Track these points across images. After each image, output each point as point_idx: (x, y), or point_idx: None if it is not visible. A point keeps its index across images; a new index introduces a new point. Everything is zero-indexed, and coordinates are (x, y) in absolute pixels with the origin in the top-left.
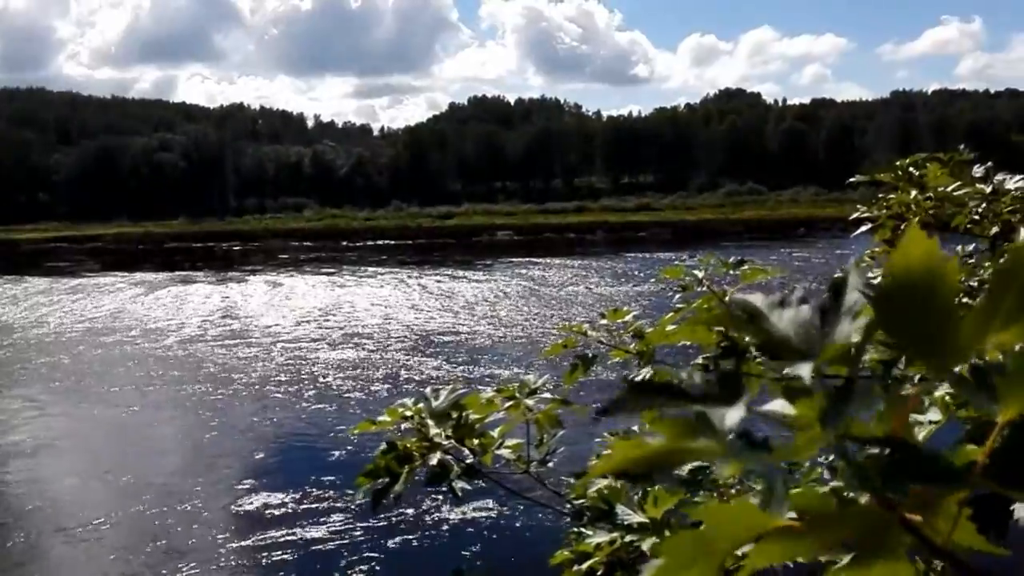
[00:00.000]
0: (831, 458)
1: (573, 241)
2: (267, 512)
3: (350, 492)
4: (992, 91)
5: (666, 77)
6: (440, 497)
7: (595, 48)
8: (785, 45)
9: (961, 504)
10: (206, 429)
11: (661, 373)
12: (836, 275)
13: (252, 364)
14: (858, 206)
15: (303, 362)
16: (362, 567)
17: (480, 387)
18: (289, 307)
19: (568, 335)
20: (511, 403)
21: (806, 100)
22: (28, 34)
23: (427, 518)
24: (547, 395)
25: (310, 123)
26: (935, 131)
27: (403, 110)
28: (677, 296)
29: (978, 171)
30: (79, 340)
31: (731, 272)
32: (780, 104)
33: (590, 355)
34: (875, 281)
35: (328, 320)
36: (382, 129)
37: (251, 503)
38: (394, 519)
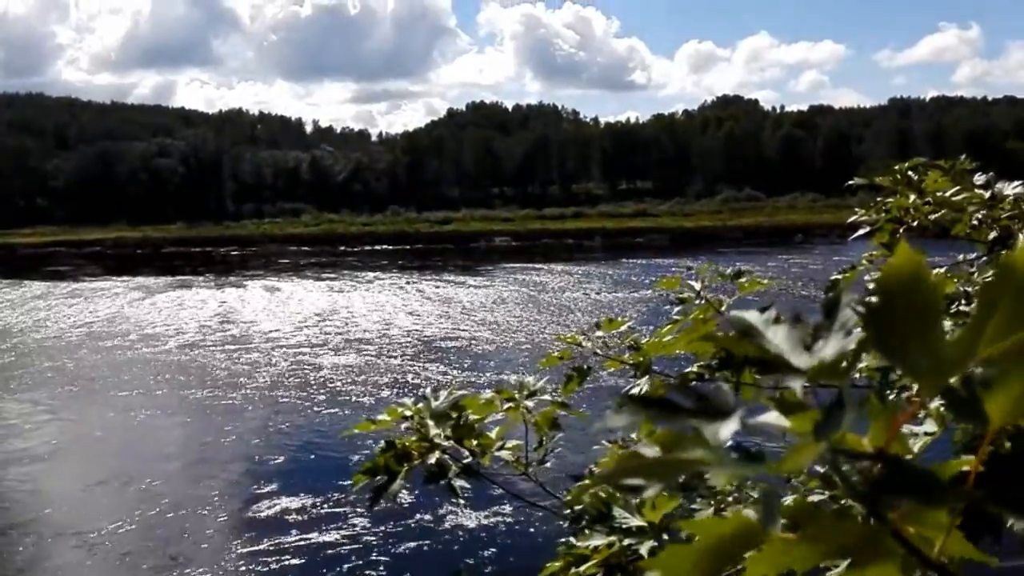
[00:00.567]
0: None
1: (571, 247)
2: (267, 515)
3: (350, 495)
4: (990, 98)
5: (663, 84)
6: (439, 498)
7: (593, 55)
8: (782, 52)
9: (952, 516)
10: (206, 433)
11: (657, 383)
12: (829, 294)
13: (251, 368)
14: (856, 209)
15: (302, 367)
16: (362, 568)
17: (476, 391)
18: (287, 312)
19: (563, 347)
20: (510, 404)
21: (804, 107)
22: (27, 39)
23: (427, 520)
24: (546, 397)
25: (308, 128)
26: (932, 138)
27: (401, 116)
28: (676, 310)
29: (980, 179)
30: (78, 345)
31: (729, 282)
32: (778, 111)
33: (586, 367)
34: (868, 296)
35: (326, 325)
36: (380, 135)
37: (251, 506)
38: (393, 521)
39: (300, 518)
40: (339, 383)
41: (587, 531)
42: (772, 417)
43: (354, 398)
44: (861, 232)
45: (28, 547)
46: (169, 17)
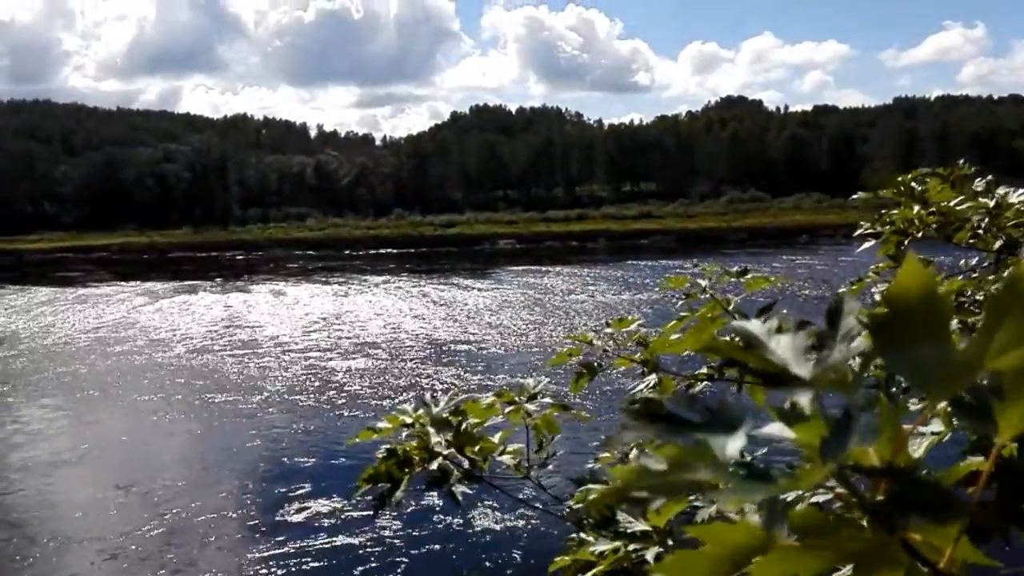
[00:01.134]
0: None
1: (575, 249)
2: (275, 519)
3: (353, 498)
4: (995, 97)
5: (667, 85)
6: (441, 502)
7: (596, 57)
8: (787, 52)
9: (963, 527)
10: (216, 438)
11: (666, 381)
12: (832, 301)
13: (258, 373)
14: (862, 222)
15: (309, 371)
16: (365, 572)
17: (482, 394)
18: (294, 316)
19: (573, 344)
20: (511, 408)
21: (808, 107)
22: (34, 47)
23: (428, 524)
24: (547, 400)
25: (313, 133)
26: (938, 138)
27: (405, 119)
28: (680, 304)
29: (979, 184)
30: (86, 350)
31: (734, 280)
32: (782, 111)
33: (596, 364)
34: (873, 309)
35: (332, 329)
36: (384, 138)
37: (259, 510)
38: (397, 525)
39: (308, 522)
40: (346, 387)
41: (592, 536)
42: (776, 429)
43: (361, 401)
44: (867, 245)
45: (40, 553)
46: (174, 23)
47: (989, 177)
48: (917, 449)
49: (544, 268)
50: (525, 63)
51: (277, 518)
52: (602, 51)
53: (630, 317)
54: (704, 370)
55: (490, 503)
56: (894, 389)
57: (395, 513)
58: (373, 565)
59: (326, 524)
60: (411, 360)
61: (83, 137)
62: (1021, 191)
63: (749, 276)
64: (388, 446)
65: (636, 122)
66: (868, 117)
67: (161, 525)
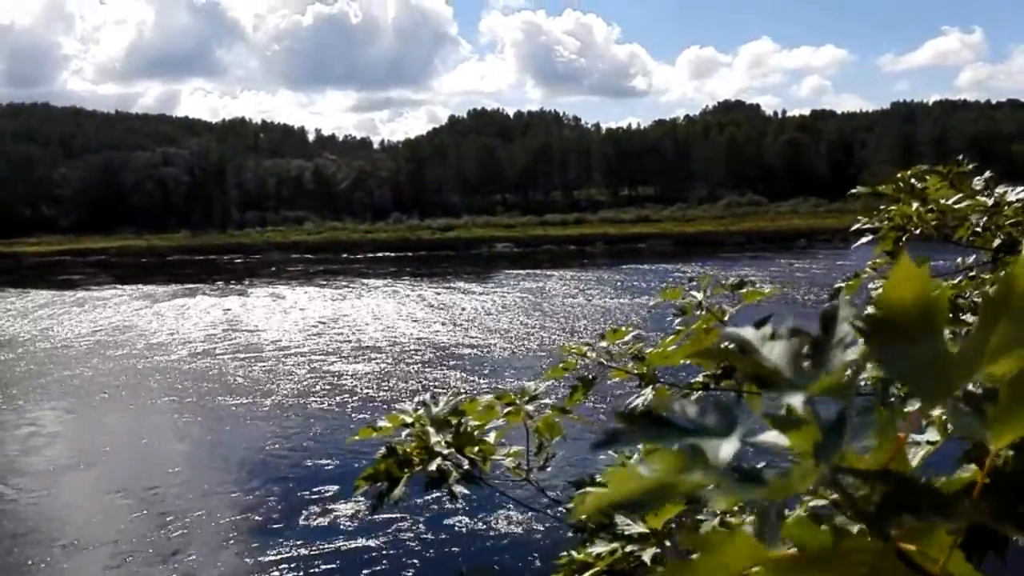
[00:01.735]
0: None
1: (573, 253)
2: (273, 521)
3: (353, 500)
4: (994, 102)
5: (665, 90)
6: (441, 503)
7: (593, 61)
8: (784, 57)
9: (955, 535)
10: (214, 441)
11: (662, 393)
12: (825, 306)
13: (256, 376)
14: (859, 217)
15: (307, 374)
16: (365, 573)
17: (480, 396)
18: (292, 320)
19: (568, 356)
20: (511, 409)
21: (806, 111)
22: (33, 50)
23: (428, 524)
24: (547, 402)
25: (311, 137)
26: (936, 142)
27: (403, 123)
28: (678, 321)
29: (978, 182)
30: (85, 354)
31: (731, 293)
32: (780, 116)
33: (591, 376)
34: (868, 310)
35: (330, 332)
36: (382, 142)
37: (258, 512)
38: (396, 526)
39: (308, 525)
40: (345, 390)
41: (590, 538)
42: (771, 436)
43: (361, 405)
44: (864, 240)
45: (42, 557)
46: (173, 27)
47: (988, 174)
48: (912, 459)
49: (542, 272)
50: (523, 67)
51: (277, 520)
52: (599, 55)
53: (625, 327)
54: (700, 379)
55: (490, 504)
56: (891, 399)
57: (395, 514)
58: (372, 566)
59: (327, 526)
60: (409, 364)
61: (82, 140)
62: (1020, 189)
63: (745, 290)
64: (388, 445)
65: (634, 126)
66: (866, 122)
67: (162, 528)
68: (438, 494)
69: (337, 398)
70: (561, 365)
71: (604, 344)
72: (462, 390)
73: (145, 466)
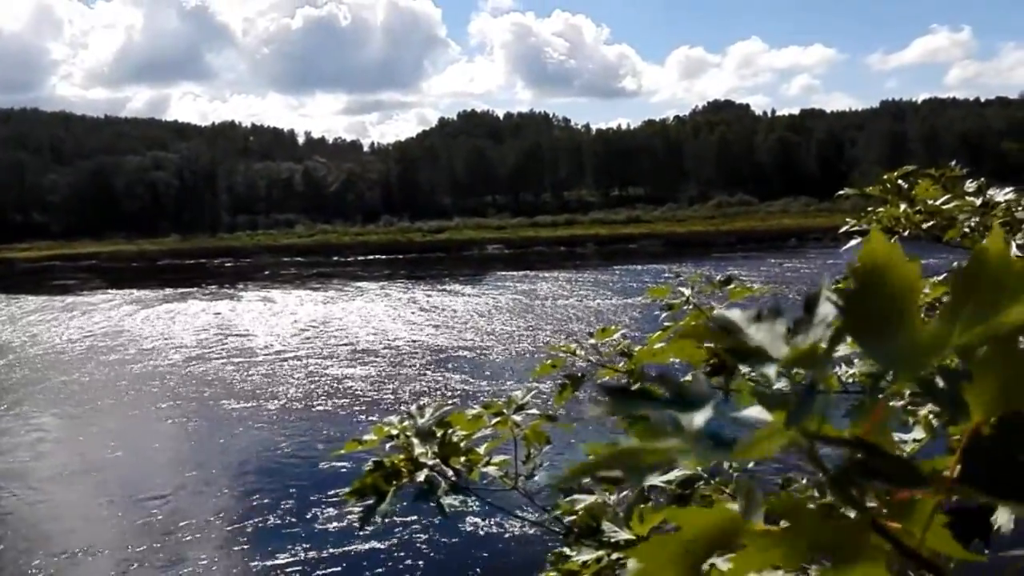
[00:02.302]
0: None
1: (564, 254)
2: (262, 528)
3: (342, 508)
4: (983, 100)
5: (655, 90)
6: (429, 514)
7: (583, 62)
8: (773, 56)
9: (934, 509)
10: (204, 446)
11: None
12: (810, 289)
13: (248, 380)
14: (847, 219)
15: (298, 378)
16: None
17: (472, 402)
18: (282, 323)
19: (556, 355)
20: (498, 419)
21: (795, 111)
22: (22, 55)
23: (416, 535)
24: (534, 411)
25: (301, 140)
26: (926, 140)
27: (393, 126)
28: (664, 316)
29: (971, 186)
30: (78, 358)
31: (719, 291)
32: (769, 115)
33: (580, 375)
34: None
35: (321, 336)
36: (372, 145)
37: (248, 519)
38: (384, 535)
39: (294, 530)
40: (337, 393)
41: (577, 545)
42: (755, 411)
43: (352, 408)
44: (854, 242)
45: (34, 564)
46: (162, 32)
47: (981, 180)
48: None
49: (533, 273)
50: (512, 69)
51: (270, 525)
52: (589, 56)
53: (614, 326)
54: (688, 378)
55: (478, 514)
56: (880, 395)
57: (383, 525)
58: (360, 573)
59: (314, 531)
60: (401, 367)
61: (72, 145)
62: (1007, 190)
63: (732, 285)
64: (375, 459)
65: (624, 127)
66: (856, 120)
67: (155, 533)
68: (425, 505)
69: (330, 402)
70: (549, 362)
71: (593, 342)
72: (455, 393)
73: (138, 472)
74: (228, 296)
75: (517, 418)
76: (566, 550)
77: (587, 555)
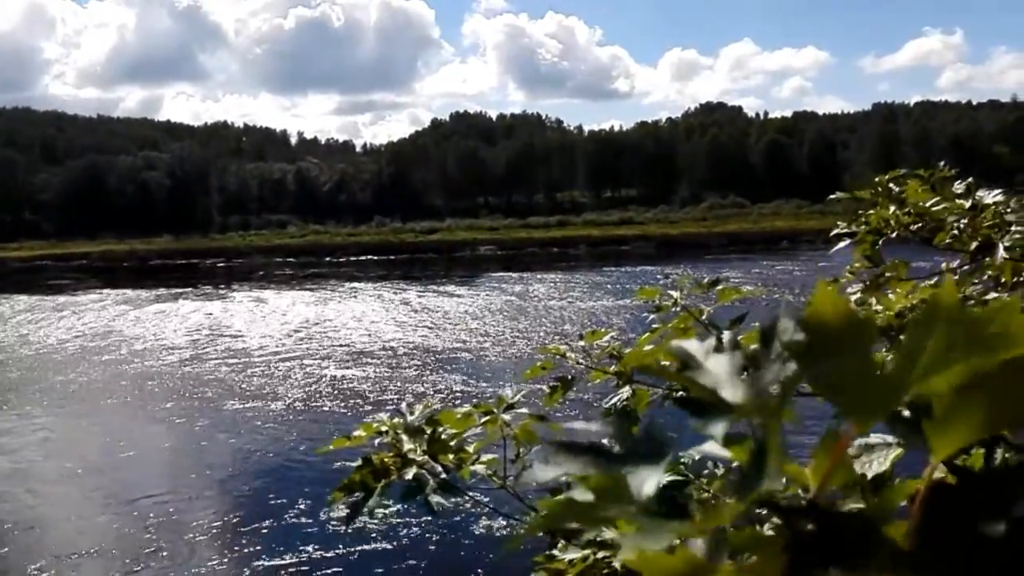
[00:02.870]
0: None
1: (557, 255)
2: (257, 526)
3: (330, 508)
4: (974, 103)
5: (647, 92)
6: (418, 514)
7: (576, 63)
8: (766, 59)
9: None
10: (198, 448)
11: (640, 393)
12: (767, 319)
13: (240, 381)
14: (838, 222)
15: (291, 379)
16: None
17: (464, 402)
18: (274, 324)
19: (546, 357)
20: (488, 418)
21: (788, 113)
22: (14, 55)
23: (405, 535)
24: (524, 410)
25: (293, 140)
26: (918, 143)
27: (385, 126)
28: (651, 318)
29: (959, 187)
30: (68, 359)
31: (709, 292)
32: (762, 117)
33: (570, 377)
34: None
35: (313, 337)
36: (365, 145)
37: (237, 518)
38: (370, 535)
39: (284, 532)
40: (330, 394)
41: (564, 545)
42: (714, 447)
43: (345, 408)
44: (844, 244)
45: (28, 567)
46: (155, 31)
47: (969, 180)
48: (884, 462)
49: (526, 275)
50: (505, 70)
51: (262, 526)
52: (581, 58)
53: (604, 329)
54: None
55: (467, 513)
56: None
57: (368, 525)
58: (343, 571)
59: (302, 533)
60: (394, 367)
61: (64, 145)
62: (996, 192)
63: (721, 287)
64: (364, 456)
65: (616, 128)
66: (848, 123)
67: (148, 535)
68: (414, 504)
69: (324, 402)
70: (539, 364)
71: (583, 344)
72: (447, 393)
73: (133, 472)
74: (220, 296)
75: (507, 417)
76: (555, 552)
77: (573, 554)
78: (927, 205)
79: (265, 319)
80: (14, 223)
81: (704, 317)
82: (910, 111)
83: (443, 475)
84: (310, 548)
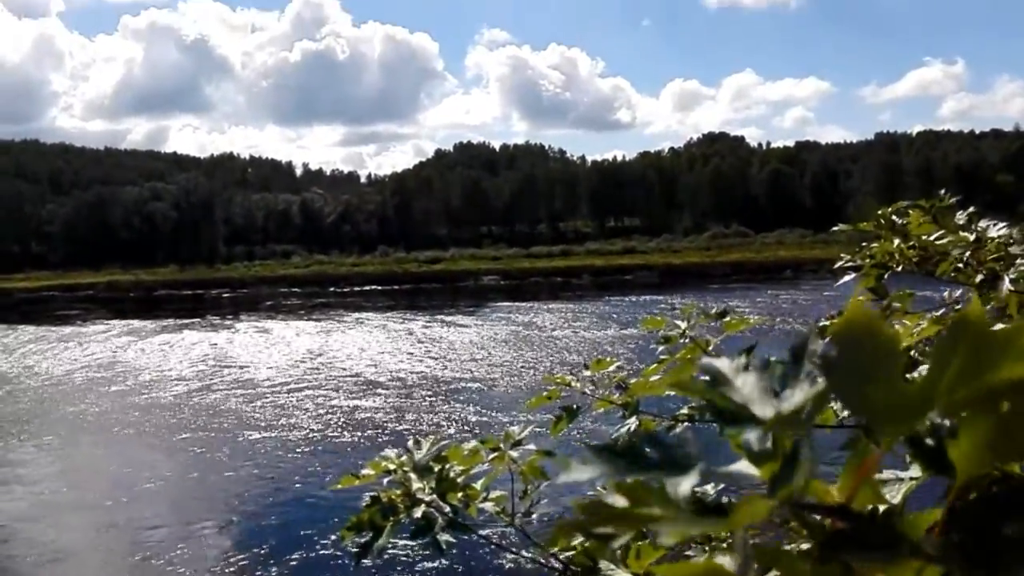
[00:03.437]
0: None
1: (560, 285)
2: (261, 558)
3: (337, 542)
4: (977, 132)
5: (649, 122)
6: (424, 550)
7: (578, 95)
8: (767, 89)
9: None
10: (202, 479)
11: (646, 424)
12: (797, 339)
13: (245, 412)
14: (842, 255)
15: (298, 409)
16: None
17: (468, 434)
18: (279, 355)
19: (552, 387)
20: (495, 455)
21: (790, 143)
22: (22, 87)
23: (410, 572)
24: (531, 446)
25: (299, 171)
26: (920, 172)
27: (390, 157)
28: (660, 349)
29: (960, 217)
30: (74, 390)
31: (715, 322)
32: (764, 147)
33: (575, 406)
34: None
35: (318, 367)
36: (369, 176)
37: (245, 549)
38: (376, 571)
39: (292, 564)
40: (336, 424)
41: None
42: (743, 466)
43: (349, 440)
44: (848, 277)
45: None
46: (162, 64)
47: (971, 209)
48: (895, 495)
49: (529, 304)
50: (508, 101)
51: (265, 557)
52: (584, 89)
53: (609, 359)
54: (685, 411)
55: (475, 551)
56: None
57: (379, 561)
58: None
59: (310, 566)
60: (399, 398)
61: (71, 176)
62: (1001, 225)
63: (728, 318)
64: (372, 494)
65: (619, 158)
66: (850, 152)
67: (171, 566)
68: (420, 542)
69: (330, 433)
70: (545, 394)
71: (588, 374)
72: (452, 424)
73: (148, 504)
74: (226, 327)
75: (514, 453)
76: None
77: None
78: (931, 238)
79: (271, 349)
80: (21, 254)
81: (711, 348)
82: (913, 140)
83: (451, 513)
84: None
